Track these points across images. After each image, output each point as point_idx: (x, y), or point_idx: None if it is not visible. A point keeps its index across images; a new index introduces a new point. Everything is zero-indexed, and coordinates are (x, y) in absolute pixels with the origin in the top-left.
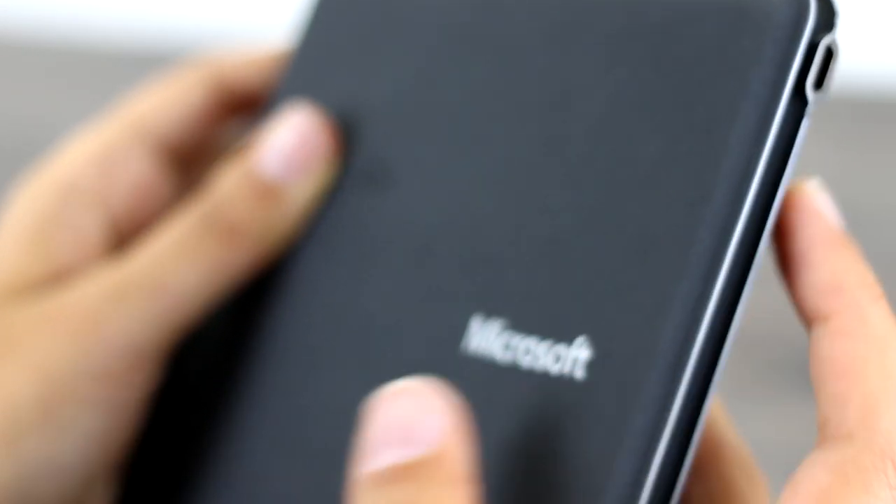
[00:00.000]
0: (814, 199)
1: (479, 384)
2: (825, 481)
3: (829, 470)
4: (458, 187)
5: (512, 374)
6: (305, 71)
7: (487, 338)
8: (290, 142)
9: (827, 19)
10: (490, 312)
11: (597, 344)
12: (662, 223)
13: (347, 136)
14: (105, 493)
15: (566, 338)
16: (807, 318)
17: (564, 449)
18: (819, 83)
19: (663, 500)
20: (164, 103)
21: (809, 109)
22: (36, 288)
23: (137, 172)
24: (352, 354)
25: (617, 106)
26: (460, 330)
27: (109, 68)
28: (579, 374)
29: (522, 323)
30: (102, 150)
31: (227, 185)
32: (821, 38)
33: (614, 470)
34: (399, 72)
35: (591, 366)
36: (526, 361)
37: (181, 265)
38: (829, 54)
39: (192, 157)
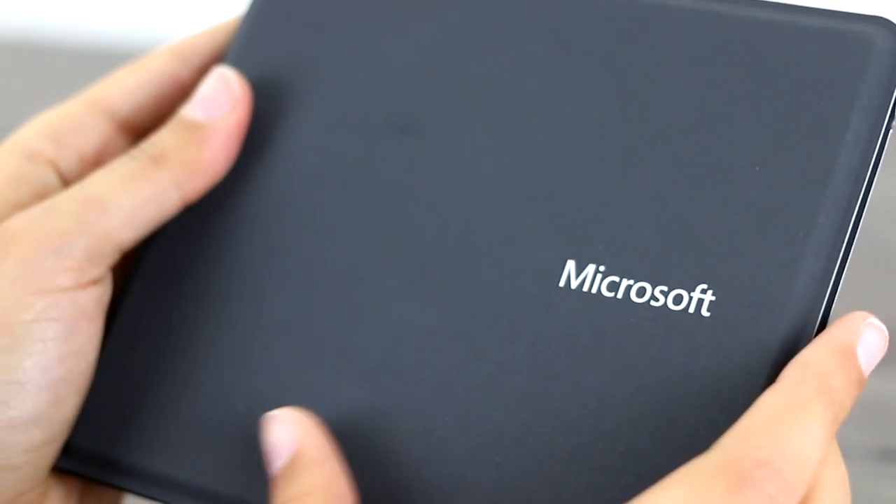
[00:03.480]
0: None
1: (590, 314)
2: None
3: None
4: (520, 141)
5: (627, 307)
6: (257, 38)
7: (589, 278)
8: (209, 91)
9: None
10: (586, 258)
11: (720, 291)
12: (780, 197)
13: (338, 90)
14: (77, 408)
15: (684, 285)
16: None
17: (700, 371)
18: None
19: None
20: (122, 80)
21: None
22: None
23: (92, 139)
24: (401, 276)
25: (708, 98)
26: (556, 269)
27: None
28: (706, 312)
29: (626, 269)
30: (58, 120)
31: (162, 130)
32: None
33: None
34: (421, 32)
35: (718, 306)
36: (641, 299)
37: (114, 184)
38: None
39: (150, 130)
